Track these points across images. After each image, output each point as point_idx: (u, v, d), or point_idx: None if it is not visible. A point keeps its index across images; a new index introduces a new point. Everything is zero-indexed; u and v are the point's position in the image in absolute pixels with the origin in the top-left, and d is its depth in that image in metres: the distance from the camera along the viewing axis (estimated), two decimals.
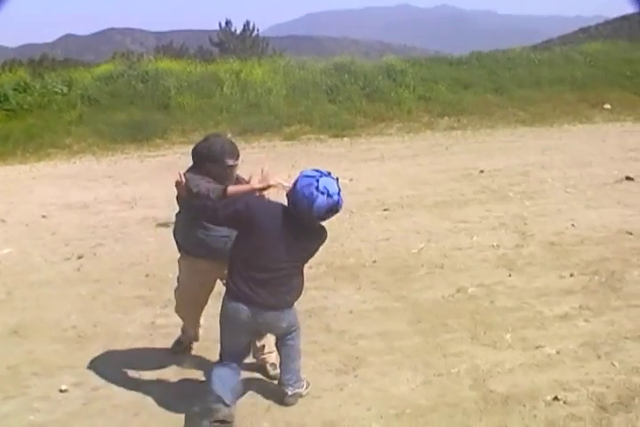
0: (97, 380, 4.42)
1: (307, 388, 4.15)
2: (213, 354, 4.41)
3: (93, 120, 14.67)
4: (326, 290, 5.95)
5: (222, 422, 3.63)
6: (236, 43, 21.73)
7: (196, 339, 4.78)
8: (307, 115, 16.00)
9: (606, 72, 17.77)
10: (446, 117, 16.99)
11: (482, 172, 10.80)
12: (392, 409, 3.95)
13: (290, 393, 4.06)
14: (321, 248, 3.88)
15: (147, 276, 6.45)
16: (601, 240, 7.06)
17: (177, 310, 4.66)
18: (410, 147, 14.06)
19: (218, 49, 21.79)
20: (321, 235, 3.83)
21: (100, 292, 6.05)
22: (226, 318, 3.83)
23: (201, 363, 4.59)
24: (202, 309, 4.54)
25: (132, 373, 4.51)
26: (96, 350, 4.85)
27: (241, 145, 14.24)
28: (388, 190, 9.91)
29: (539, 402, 4.01)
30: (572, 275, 6.10)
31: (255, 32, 27.70)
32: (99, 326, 5.29)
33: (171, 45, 27.77)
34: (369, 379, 4.34)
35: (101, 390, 4.30)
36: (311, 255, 3.90)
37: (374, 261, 6.68)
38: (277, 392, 4.11)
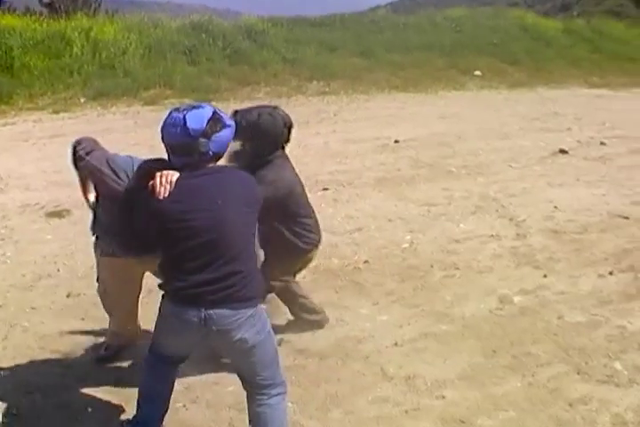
0: None
1: None
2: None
3: None
4: (335, 308, 4.43)
5: None
6: (67, 3, 19.06)
7: (138, 335, 3.70)
8: (166, 77, 14.01)
9: (473, 39, 17.32)
10: (315, 81, 15.75)
11: (397, 142, 9.62)
12: None
13: None
14: None
15: (68, 296, 4.51)
16: (603, 227, 6.15)
17: (107, 309, 3.67)
18: (292, 112, 12.57)
19: (47, 10, 18.93)
20: None
21: (12, 327, 4.05)
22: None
23: None
24: (138, 297, 3.63)
25: None
26: None
27: (98, 111, 12.50)
28: (307, 164, 8.37)
29: None
30: (611, 273, 5.10)
31: None
32: (36, 393, 3.34)
33: None
34: None
35: None
36: None
37: (366, 262, 5.25)
38: None
